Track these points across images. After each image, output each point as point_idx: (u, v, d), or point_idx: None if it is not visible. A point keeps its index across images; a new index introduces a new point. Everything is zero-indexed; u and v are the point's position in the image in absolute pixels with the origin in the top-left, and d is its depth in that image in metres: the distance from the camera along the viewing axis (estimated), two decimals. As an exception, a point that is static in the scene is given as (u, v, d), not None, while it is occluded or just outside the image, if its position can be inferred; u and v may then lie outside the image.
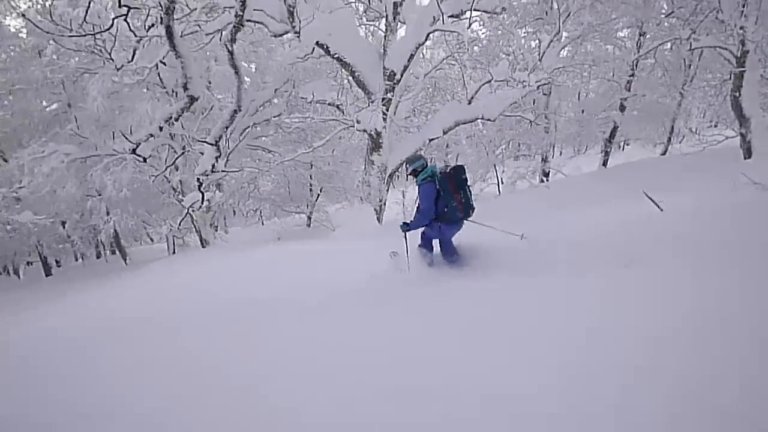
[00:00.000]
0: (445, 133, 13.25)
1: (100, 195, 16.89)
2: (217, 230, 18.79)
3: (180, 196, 16.01)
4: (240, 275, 7.82)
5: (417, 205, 5.89)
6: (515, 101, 13.35)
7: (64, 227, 20.47)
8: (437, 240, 5.99)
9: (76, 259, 28.11)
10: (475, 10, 11.51)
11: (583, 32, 15.06)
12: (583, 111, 20.32)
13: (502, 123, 16.69)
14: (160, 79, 15.64)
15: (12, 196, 16.58)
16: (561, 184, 15.89)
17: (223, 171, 12.90)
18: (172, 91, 15.97)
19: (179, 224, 14.92)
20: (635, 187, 8.21)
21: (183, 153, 14.70)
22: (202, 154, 12.70)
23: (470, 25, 11.72)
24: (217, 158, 12.09)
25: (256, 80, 17.34)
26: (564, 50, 16.61)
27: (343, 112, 14.09)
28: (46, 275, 23.20)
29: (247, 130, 16.07)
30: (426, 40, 12.14)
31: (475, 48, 17.13)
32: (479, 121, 13.45)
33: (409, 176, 5.94)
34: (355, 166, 18.24)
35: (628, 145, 28.87)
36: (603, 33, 16.18)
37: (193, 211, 13.84)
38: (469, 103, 13.13)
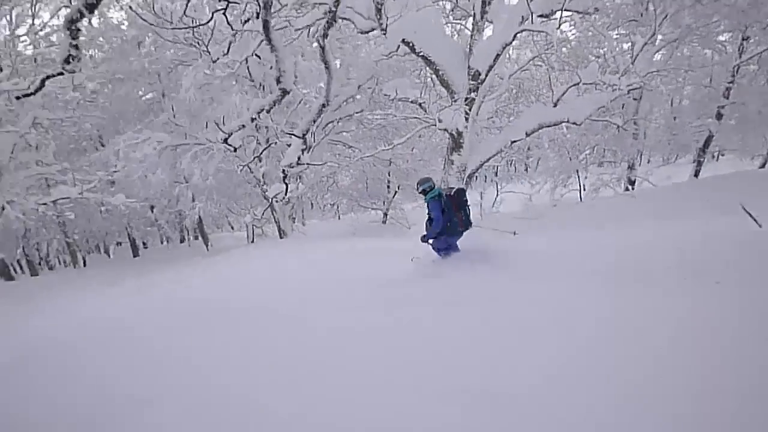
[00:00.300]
0: (527, 135, 13.20)
1: (187, 182, 18.10)
2: (294, 222, 19.67)
3: (264, 187, 16.91)
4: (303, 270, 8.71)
5: (428, 218, 6.87)
6: (603, 105, 13.16)
7: (152, 211, 22.09)
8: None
9: (162, 242, 30.03)
10: (566, 10, 11.27)
11: (680, 35, 14.70)
12: (675, 118, 19.74)
13: (588, 127, 16.48)
14: (249, 72, 16.60)
15: (107, 179, 18.09)
16: (647, 194, 15.58)
17: (307, 164, 13.59)
18: (260, 85, 16.90)
19: (262, 214, 15.86)
20: (730, 201, 7.77)
21: (269, 145, 15.62)
22: (288, 146, 13.45)
23: (560, 25, 11.71)
24: (303, 151, 12.79)
25: (340, 76, 18.02)
26: (658, 53, 16.27)
27: (425, 111, 14.38)
28: (134, 255, 25.08)
29: (329, 125, 16.86)
30: (513, 40, 12.09)
31: (564, 49, 17.06)
32: (564, 124, 13.40)
33: (419, 194, 7.08)
34: (434, 165, 18.55)
35: (722, 155, 27.69)
36: (702, 36, 15.66)
37: (276, 201, 14.67)
38: (555, 105, 12.95)
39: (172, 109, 17.26)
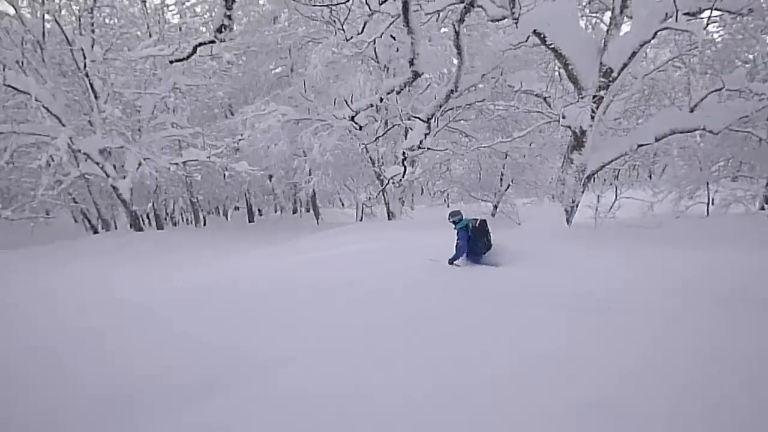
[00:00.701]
0: (656, 140, 12.75)
1: (305, 156, 19.32)
2: (403, 205, 20.50)
3: (382, 168, 17.72)
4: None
5: (456, 243, 8.20)
6: (747, 115, 12.67)
7: (270, 180, 23.67)
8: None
9: (276, 211, 31.89)
10: (715, 9, 10.88)
11: None
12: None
13: (725, 137, 15.78)
14: (376, 53, 17.43)
15: (233, 146, 19.71)
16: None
17: (428, 148, 14.15)
18: (384, 66, 17.66)
19: (377, 194, 16.75)
20: None
21: (392, 126, 16.40)
22: (411, 129, 14.12)
23: (707, 25, 11.35)
24: (425, 135, 13.39)
25: (464, 63, 18.44)
26: (819, 63, 15.35)
27: (550, 105, 14.35)
28: (249, 221, 27.08)
29: (448, 112, 17.39)
30: (653, 38, 11.78)
31: (708, 51, 16.45)
32: (698, 132, 13.01)
33: (450, 223, 8.64)
34: (552, 162, 18.50)
35: None
36: None
37: (392, 183, 15.43)
38: (691, 111, 12.47)
39: (304, 84, 18.34)
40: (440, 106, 13.36)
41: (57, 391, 3.56)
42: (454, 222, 8.51)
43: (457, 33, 11.32)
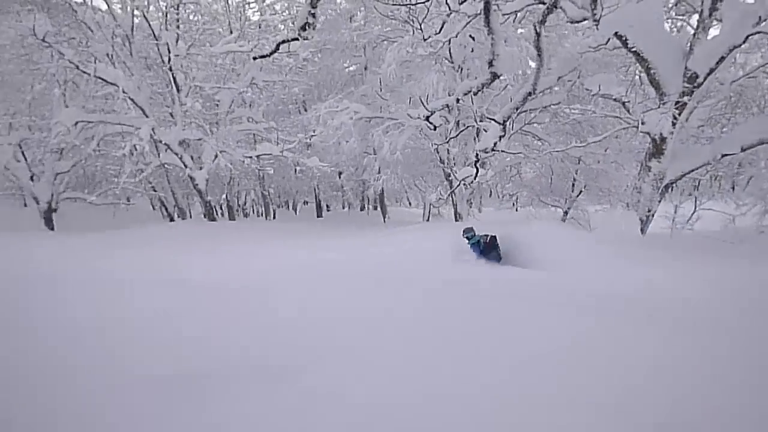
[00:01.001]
0: (743, 150, 12.23)
1: (375, 154, 19.53)
2: (471, 207, 20.40)
3: (454, 168, 17.66)
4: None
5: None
6: (844, 127, 11.97)
7: (339, 177, 24.04)
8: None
9: (343, 207, 32.43)
10: None
11: None
12: None
13: (820, 150, 15.01)
14: (450, 53, 17.40)
15: (305, 142, 20.14)
16: None
17: (502, 150, 14.05)
18: (458, 67, 17.63)
19: (448, 195, 16.77)
20: None
21: (467, 127, 16.35)
22: (485, 131, 14.03)
23: None
24: (500, 137, 13.26)
25: (544, 66, 18.09)
26: None
27: (629, 111, 13.94)
28: (317, 216, 27.68)
29: (521, 114, 17.16)
30: (744, 42, 11.33)
31: (805, 58, 15.61)
32: (790, 143, 12.38)
33: (466, 238, 9.53)
34: (627, 169, 17.98)
35: None
36: None
37: (464, 185, 15.40)
38: None
39: (380, 82, 18.49)
40: (516, 109, 13.18)
41: (129, 367, 3.68)
42: (467, 238, 9.47)
43: (537, 34, 11.10)
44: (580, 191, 19.09)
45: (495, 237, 9.46)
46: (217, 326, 4.72)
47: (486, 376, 3.36)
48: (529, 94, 12.67)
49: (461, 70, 17.39)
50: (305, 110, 22.95)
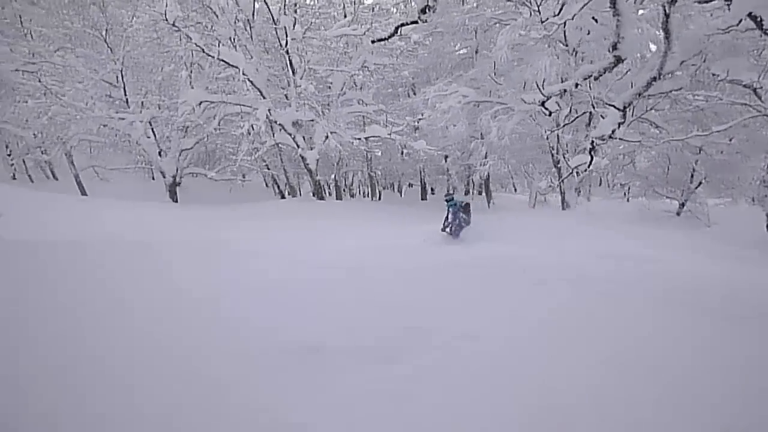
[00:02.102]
0: None
1: (482, 138, 19.45)
2: (579, 195, 19.87)
3: (565, 155, 17.26)
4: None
5: (447, 215, 11.29)
6: None
7: (445, 161, 24.08)
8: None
9: (448, 191, 32.64)
10: None
11: None
12: None
13: None
14: (565, 36, 16.97)
15: (413, 125, 20.40)
16: None
17: (621, 138, 13.57)
18: (573, 51, 17.15)
19: (560, 182, 16.45)
20: None
21: (584, 113, 15.90)
22: (602, 117, 13.60)
23: None
24: (619, 125, 12.79)
25: (672, 49, 17.10)
26: None
27: (760, 98, 13.14)
28: (422, 198, 27.97)
29: (641, 101, 16.45)
30: None
31: None
32: None
33: (446, 200, 11.47)
34: (754, 161, 16.85)
35: None
36: None
37: (576, 173, 15.03)
38: None
39: (494, 66, 18.29)
40: (639, 94, 12.56)
41: (246, 337, 3.97)
42: (447, 200, 11.43)
43: (667, 15, 10.52)
44: (700, 183, 18.13)
45: (468, 204, 11.62)
46: (330, 302, 4.98)
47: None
48: (654, 79, 12.00)
49: (575, 53, 16.89)
50: (414, 93, 23.09)
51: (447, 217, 11.21)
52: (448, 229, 11.10)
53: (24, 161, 24.66)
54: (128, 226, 11.04)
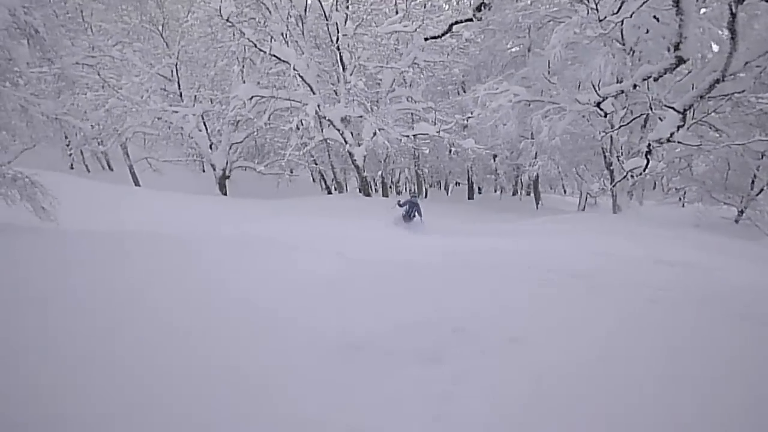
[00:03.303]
0: None
1: (532, 138, 19.13)
2: (631, 199, 19.34)
3: (619, 158, 16.86)
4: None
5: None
6: None
7: (494, 160, 23.83)
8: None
9: (495, 191, 32.21)
10: None
11: None
12: None
13: None
14: (622, 35, 16.51)
15: (462, 123, 20.22)
16: None
17: (679, 142, 13.14)
18: (630, 50, 16.68)
19: (614, 185, 16.11)
20: None
21: (640, 115, 15.44)
22: (661, 120, 13.20)
23: None
24: (678, 128, 12.37)
25: (738, 50, 16.51)
26: None
27: (828, 102, 12.60)
28: (468, 197, 27.76)
29: (701, 103, 15.88)
30: None
31: None
32: None
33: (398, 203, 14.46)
34: (822, 165, 16.14)
35: None
36: None
37: (631, 176, 14.66)
38: None
39: (548, 65, 17.94)
40: (701, 96, 12.20)
41: (286, 336, 3.92)
42: (399, 204, 14.38)
43: (733, 15, 10.23)
44: (761, 189, 17.44)
45: (418, 203, 14.22)
46: (374, 299, 4.96)
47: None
48: (717, 81, 11.67)
49: (633, 53, 16.41)
50: (464, 91, 22.96)
51: (409, 211, 14.13)
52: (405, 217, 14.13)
53: (81, 152, 25.59)
54: (174, 218, 11.26)
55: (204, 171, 27.98)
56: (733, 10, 10.18)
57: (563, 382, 3.17)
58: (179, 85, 22.35)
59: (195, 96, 22.74)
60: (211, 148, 22.60)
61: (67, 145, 24.18)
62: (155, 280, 5.04)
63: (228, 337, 3.80)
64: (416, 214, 14.03)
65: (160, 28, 21.52)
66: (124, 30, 22.13)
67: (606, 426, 2.73)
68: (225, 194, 22.43)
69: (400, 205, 14.32)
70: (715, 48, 15.64)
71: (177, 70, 22.17)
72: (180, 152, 26.90)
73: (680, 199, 22.84)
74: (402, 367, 3.42)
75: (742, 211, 18.24)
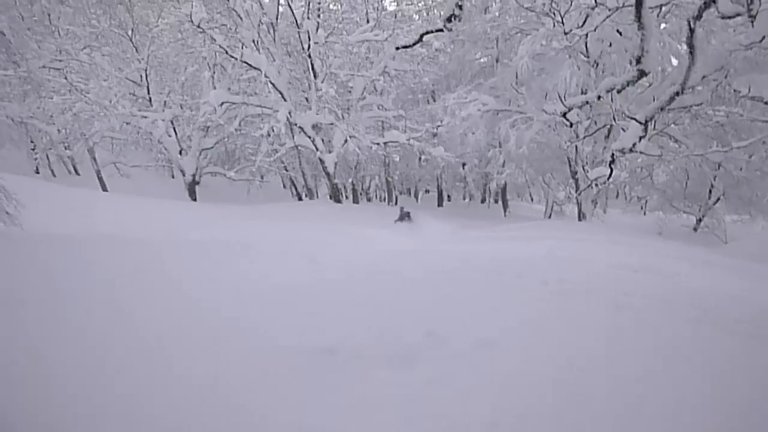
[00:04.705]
0: None
1: (500, 147, 19.52)
2: (595, 207, 19.85)
3: (585, 168, 17.24)
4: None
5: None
6: None
7: (463, 168, 24.16)
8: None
9: (464, 198, 32.47)
10: None
11: None
12: None
13: None
14: (586, 48, 16.97)
15: (431, 132, 20.48)
16: None
17: (641, 152, 13.56)
18: (594, 62, 17.14)
19: (579, 193, 16.50)
20: None
21: (604, 126, 15.84)
22: (623, 130, 13.62)
23: None
24: (640, 138, 12.80)
25: (696, 64, 17.07)
26: None
27: (781, 115, 13.15)
28: (438, 205, 27.90)
29: (661, 114, 16.41)
30: None
31: None
32: None
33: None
34: (775, 178, 16.82)
35: None
36: None
37: (595, 185, 15.06)
38: None
39: (516, 75, 18.30)
40: (661, 108, 12.65)
41: (259, 343, 3.91)
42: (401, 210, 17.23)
43: (691, 30, 10.64)
44: (718, 198, 18.08)
45: (409, 212, 17.03)
46: (345, 304, 5.04)
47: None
48: (677, 93, 12.11)
49: (597, 65, 16.88)
50: (434, 100, 23.27)
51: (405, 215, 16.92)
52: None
53: (47, 156, 25.15)
54: (141, 223, 11.17)
55: (173, 177, 27.76)
56: (692, 26, 10.58)
57: (531, 385, 3.25)
58: (149, 90, 22.15)
59: (165, 101, 22.55)
60: (180, 153, 22.45)
61: (33, 149, 23.76)
62: (117, 285, 5.05)
63: (190, 346, 3.78)
64: (408, 217, 16.91)
65: (130, 32, 21.34)
66: (92, 34, 21.84)
67: (574, 429, 2.81)
68: (195, 200, 22.27)
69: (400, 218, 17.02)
70: (675, 62, 16.13)
71: (146, 75, 21.98)
72: (149, 157, 26.63)
73: (642, 207, 23.49)
74: (373, 371, 3.46)
75: (700, 220, 18.82)
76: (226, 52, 18.37)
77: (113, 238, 7.53)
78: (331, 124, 19.70)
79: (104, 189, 22.50)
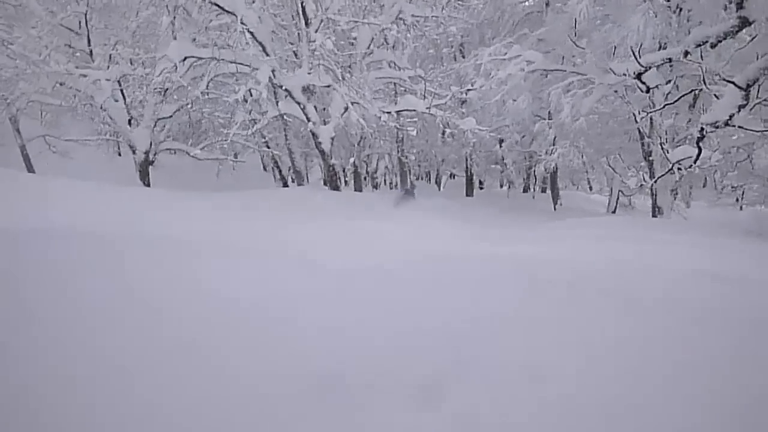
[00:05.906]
0: None
1: (550, 119, 19.23)
2: (675, 199, 19.43)
3: (663, 145, 16.91)
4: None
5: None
6: None
7: (500, 146, 24.06)
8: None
9: (501, 186, 32.40)
10: None
11: None
12: None
13: None
14: (669, -11, 16.69)
15: (460, 98, 20.25)
16: None
17: (739, 126, 13.07)
18: (677, 8, 16.83)
19: (655, 180, 16.08)
20: None
21: (691, 92, 15.45)
22: (717, 97, 13.11)
23: None
24: (740, 108, 12.24)
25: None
26: None
27: None
28: (467, 194, 27.55)
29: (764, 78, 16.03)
30: None
31: None
32: None
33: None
34: None
35: None
36: None
37: (678, 169, 14.62)
38: None
39: (574, 24, 17.96)
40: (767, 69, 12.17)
41: (244, 374, 3.87)
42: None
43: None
44: (843, 190, 17.75)
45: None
46: (350, 321, 4.89)
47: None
48: (790, 49, 11.68)
49: (680, 10, 16.51)
50: (463, 56, 23.05)
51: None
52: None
53: (-46, 126, 25.00)
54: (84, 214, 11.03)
55: (120, 155, 27.70)
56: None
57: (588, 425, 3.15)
58: (89, 41, 21.95)
59: (110, 55, 22.24)
60: (130, 123, 22.21)
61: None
62: (68, 292, 4.89)
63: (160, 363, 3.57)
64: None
65: (65, -38, 21.14)
66: (17, -33, 21.67)
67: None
68: (148, 185, 22.05)
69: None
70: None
71: (87, 21, 21.74)
72: (89, 129, 26.45)
73: (738, 199, 23.16)
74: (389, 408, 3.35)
75: (816, 218, 18.51)
76: (192, -10, 18.06)
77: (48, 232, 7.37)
78: (328, 86, 19.39)
79: (30, 170, 22.36)
